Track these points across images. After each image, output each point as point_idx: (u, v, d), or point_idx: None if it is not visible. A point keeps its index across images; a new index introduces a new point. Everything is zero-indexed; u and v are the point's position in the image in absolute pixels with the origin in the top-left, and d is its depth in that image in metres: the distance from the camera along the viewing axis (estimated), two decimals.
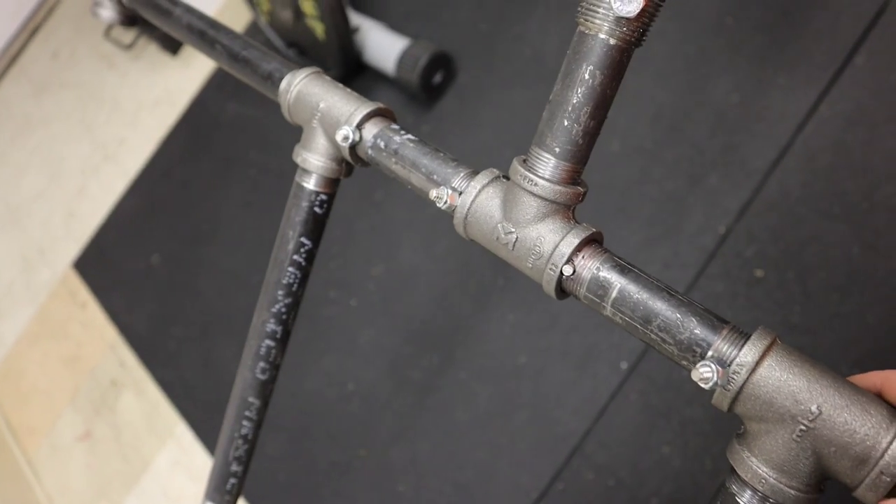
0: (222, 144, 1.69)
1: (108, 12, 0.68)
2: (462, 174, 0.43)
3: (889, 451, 0.28)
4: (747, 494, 0.32)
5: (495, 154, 1.32)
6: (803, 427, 0.30)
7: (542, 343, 1.16)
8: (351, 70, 1.49)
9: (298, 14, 1.42)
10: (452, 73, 1.42)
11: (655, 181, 1.16)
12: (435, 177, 0.43)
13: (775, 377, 0.31)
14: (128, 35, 2.00)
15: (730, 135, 1.13)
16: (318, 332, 1.38)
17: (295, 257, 0.51)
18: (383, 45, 1.42)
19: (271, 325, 0.53)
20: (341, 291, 1.37)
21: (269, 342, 0.54)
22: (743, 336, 0.33)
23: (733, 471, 0.34)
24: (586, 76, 0.36)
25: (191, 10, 0.58)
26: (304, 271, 0.52)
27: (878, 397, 0.31)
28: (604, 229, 1.08)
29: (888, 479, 0.29)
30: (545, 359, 1.14)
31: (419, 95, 1.40)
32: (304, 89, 0.48)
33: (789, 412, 0.31)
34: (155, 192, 1.74)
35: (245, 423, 0.54)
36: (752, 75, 1.15)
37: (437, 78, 1.40)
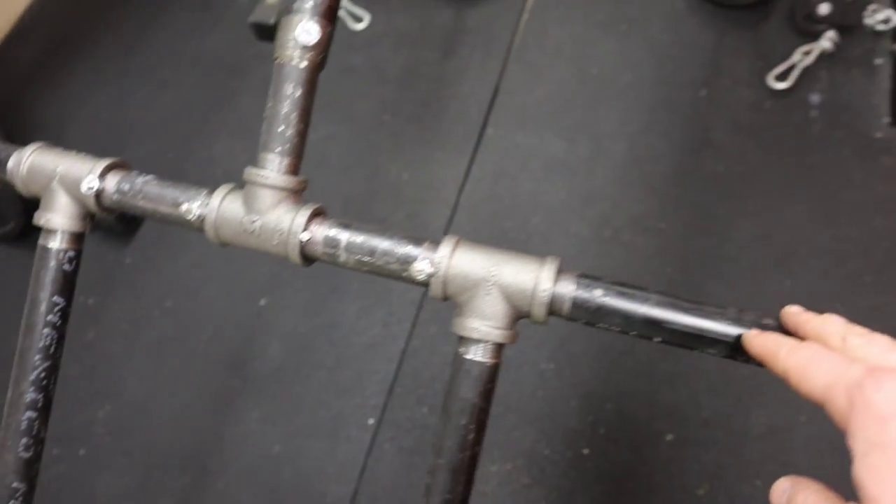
0: None
1: None
2: (204, 192, 0.51)
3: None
4: (471, 347, 0.44)
5: (206, 265, 1.37)
6: (490, 283, 0.44)
7: (290, 428, 1.19)
8: (30, 219, 1.44)
9: None
10: None
11: None
12: (180, 199, 0.50)
13: (466, 258, 0.44)
14: None
15: (409, 205, 1.34)
16: (48, 499, 1.24)
17: (49, 318, 0.53)
18: None
19: (31, 394, 0.53)
20: (66, 445, 1.26)
21: (30, 413, 0.53)
22: (438, 243, 0.46)
23: (460, 338, 0.45)
24: (289, 92, 0.48)
25: None
26: (61, 331, 0.54)
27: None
28: (323, 307, 1.23)
29: (545, 297, 0.43)
30: (298, 441, 1.18)
31: (116, 229, 1.40)
32: (37, 159, 0.52)
33: (481, 277, 0.44)
34: None
35: None
36: (415, 156, 1.39)
37: None
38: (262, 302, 1.30)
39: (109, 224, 1.38)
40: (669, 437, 1.12)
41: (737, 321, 0.41)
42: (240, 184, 0.51)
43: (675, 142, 1.37)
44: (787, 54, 1.42)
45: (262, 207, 0.48)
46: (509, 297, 0.44)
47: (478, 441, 0.45)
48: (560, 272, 0.44)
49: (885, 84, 1.39)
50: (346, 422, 1.16)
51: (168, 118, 1.57)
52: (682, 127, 1.38)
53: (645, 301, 0.42)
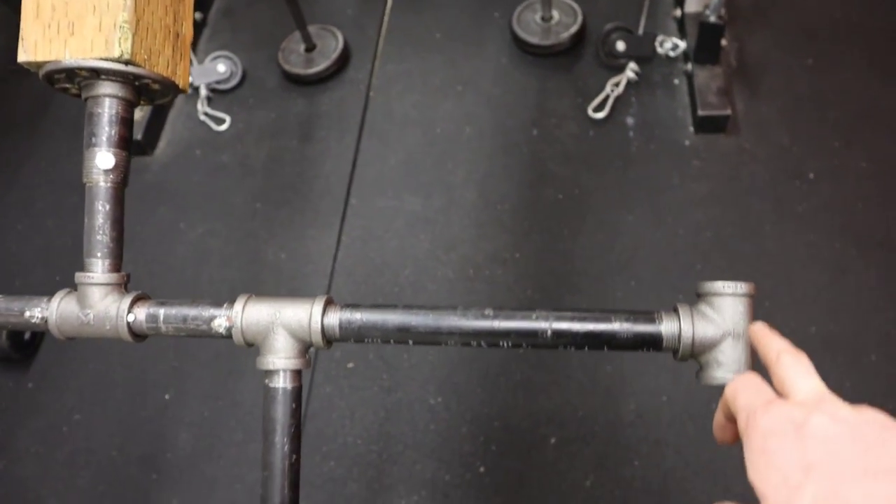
0: None
1: None
2: (44, 299, 0.61)
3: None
4: (273, 377, 0.55)
5: (109, 374, 1.43)
6: (277, 324, 0.56)
7: None
8: None
9: None
10: None
11: None
12: (24, 308, 0.60)
13: (255, 310, 0.56)
14: None
15: (290, 282, 1.46)
16: None
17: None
18: None
19: None
20: None
21: None
22: (234, 302, 0.58)
23: (266, 373, 0.56)
24: (100, 208, 0.60)
25: None
26: None
27: None
28: (224, 390, 1.30)
29: (318, 327, 0.55)
30: None
31: (13, 357, 1.45)
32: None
33: (268, 321, 0.56)
34: None
35: None
36: (289, 236, 1.51)
37: (27, 335, 1.47)
38: (167, 396, 1.37)
39: (6, 353, 1.43)
40: (553, 440, 1.24)
41: (463, 316, 0.54)
42: (73, 288, 0.61)
43: (517, 180, 1.54)
44: (601, 87, 1.63)
45: (92, 302, 0.59)
46: (293, 332, 0.56)
47: (294, 451, 0.56)
48: (328, 305, 0.56)
49: (685, 100, 1.61)
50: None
51: (53, 243, 1.65)
52: (522, 165, 1.56)
53: (392, 314, 0.55)
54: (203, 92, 1.74)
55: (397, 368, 1.33)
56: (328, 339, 0.56)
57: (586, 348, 0.55)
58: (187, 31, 0.66)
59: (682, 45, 1.65)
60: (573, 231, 1.46)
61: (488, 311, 0.55)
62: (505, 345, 0.57)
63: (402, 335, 0.55)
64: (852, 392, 1.22)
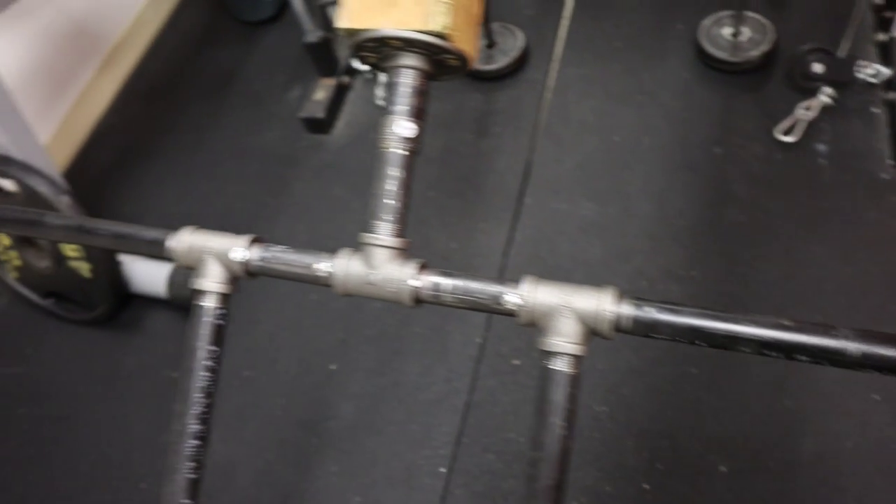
0: None
1: None
2: (327, 255, 0.64)
3: None
4: (556, 359, 0.56)
5: (278, 337, 1.49)
6: (567, 308, 0.56)
7: (367, 480, 1.29)
8: (119, 302, 1.59)
9: (59, 259, 1.51)
10: None
11: (417, 320, 1.44)
12: (311, 262, 0.63)
13: (545, 291, 0.57)
14: None
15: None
16: None
17: (206, 363, 0.65)
18: (150, 272, 1.56)
19: (194, 426, 0.65)
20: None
21: (194, 442, 0.65)
22: (517, 282, 0.58)
23: (546, 353, 0.57)
24: (394, 173, 0.62)
25: (59, 215, 0.72)
26: (215, 374, 0.66)
27: None
28: (388, 368, 1.39)
29: (610, 317, 0.55)
30: (376, 491, 1.27)
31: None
32: (192, 238, 0.66)
33: (558, 304, 0.56)
34: None
35: None
36: (461, 227, 1.53)
37: None
38: (333, 367, 1.42)
39: (188, 303, 1.52)
40: (723, 468, 1.20)
41: (758, 324, 0.53)
42: (354, 248, 0.64)
43: (697, 196, 1.49)
44: (790, 110, 1.56)
45: (378, 263, 0.61)
46: (583, 318, 0.56)
47: (569, 436, 0.56)
48: (620, 296, 0.56)
49: (884, 130, 1.52)
50: (419, 471, 1.26)
51: (231, 207, 1.74)
52: (702, 182, 1.51)
53: (688, 314, 0.54)
54: (382, 78, 1.79)
55: None
56: (619, 329, 0.56)
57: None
58: (478, 10, 0.68)
59: (886, 72, 1.56)
60: (754, 255, 1.40)
61: (787, 322, 0.53)
62: (802, 359, 0.54)
63: (694, 335, 0.54)
64: None
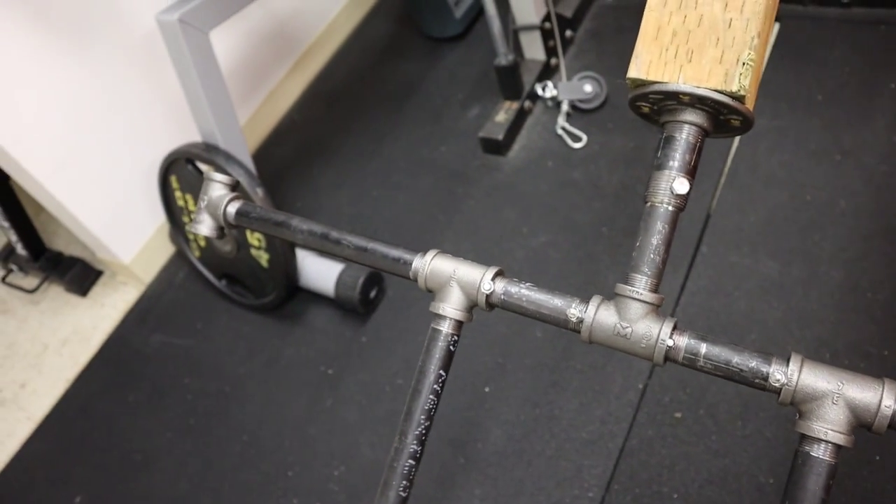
0: (151, 375, 1.72)
1: (206, 228, 0.82)
2: (577, 300, 0.64)
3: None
4: (816, 446, 0.53)
5: None
6: (837, 395, 0.53)
7: None
8: (288, 294, 1.67)
9: (242, 246, 1.61)
10: (383, 289, 1.65)
11: (578, 356, 1.42)
12: (559, 305, 0.64)
13: (813, 373, 0.54)
14: (30, 280, 2.04)
15: None
16: None
17: (434, 386, 0.67)
18: (321, 270, 1.63)
19: (413, 447, 0.67)
20: (303, 498, 1.42)
21: (411, 462, 0.67)
22: (785, 358, 0.56)
23: (804, 437, 0.54)
24: (659, 228, 0.61)
25: (305, 220, 0.77)
26: (439, 397, 0.68)
27: None
28: (543, 399, 1.37)
29: (889, 412, 0.51)
30: None
31: (358, 310, 1.60)
32: (438, 263, 0.68)
33: (828, 389, 0.53)
34: (72, 431, 1.69)
35: None
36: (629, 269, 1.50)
37: (372, 294, 1.61)
38: (487, 389, 1.43)
39: (354, 306, 1.58)
40: None
41: None
42: (607, 296, 0.64)
43: None
44: None
45: (633, 317, 0.60)
46: (854, 409, 0.53)
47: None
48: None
49: None
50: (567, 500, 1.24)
51: (401, 216, 1.80)
52: None
53: None
54: (564, 107, 1.80)
55: (729, 433, 1.26)
56: (892, 425, 0.52)
57: None
58: (760, 68, 0.66)
59: None
60: None
61: None
62: None
63: None
64: None
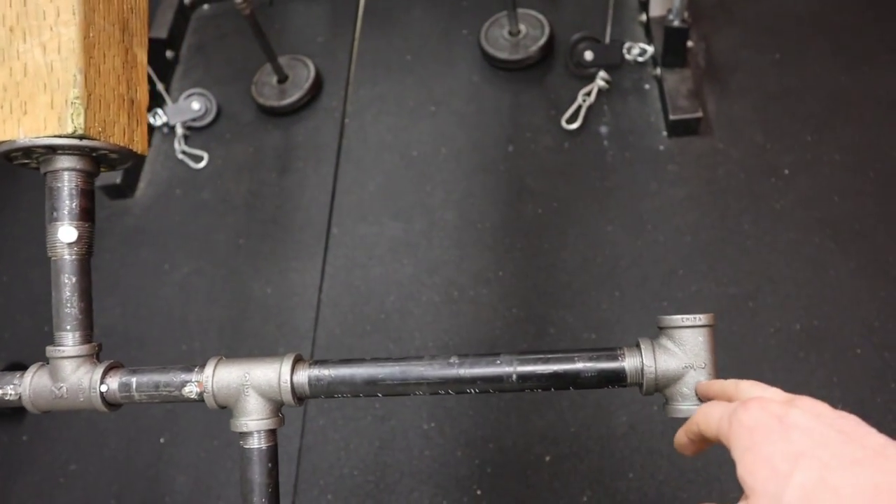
0: None
1: None
2: (16, 375, 0.61)
3: None
4: (248, 439, 0.56)
5: (101, 422, 1.43)
6: (247, 386, 0.56)
7: None
8: None
9: None
10: None
11: None
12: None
13: (224, 372, 0.57)
14: None
15: (277, 316, 1.46)
16: None
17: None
18: None
19: None
20: None
21: None
22: (204, 365, 0.58)
23: (240, 434, 0.57)
24: (67, 280, 0.60)
25: None
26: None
27: None
28: (218, 429, 1.28)
29: (287, 387, 0.56)
30: None
31: (5, 412, 1.45)
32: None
33: (239, 384, 0.56)
34: None
35: None
36: (274, 270, 1.52)
37: None
38: (162, 440, 1.38)
39: None
40: (548, 458, 1.25)
41: (432, 366, 0.55)
42: (45, 362, 0.62)
43: (496, 197, 1.55)
44: (573, 98, 1.64)
45: (64, 375, 0.59)
46: (263, 394, 0.57)
47: None
48: (297, 362, 0.57)
49: (656, 104, 1.62)
50: None
51: (35, 297, 1.65)
52: (499, 182, 1.57)
53: (360, 368, 0.56)
54: (179, 130, 1.75)
55: (394, 399, 1.33)
56: (298, 397, 0.57)
57: (552, 389, 0.55)
58: (142, 96, 0.67)
59: (650, 49, 1.67)
60: (555, 245, 1.47)
61: (453, 360, 0.56)
62: (472, 391, 0.57)
63: (371, 388, 0.56)
64: (840, 386, 1.23)
